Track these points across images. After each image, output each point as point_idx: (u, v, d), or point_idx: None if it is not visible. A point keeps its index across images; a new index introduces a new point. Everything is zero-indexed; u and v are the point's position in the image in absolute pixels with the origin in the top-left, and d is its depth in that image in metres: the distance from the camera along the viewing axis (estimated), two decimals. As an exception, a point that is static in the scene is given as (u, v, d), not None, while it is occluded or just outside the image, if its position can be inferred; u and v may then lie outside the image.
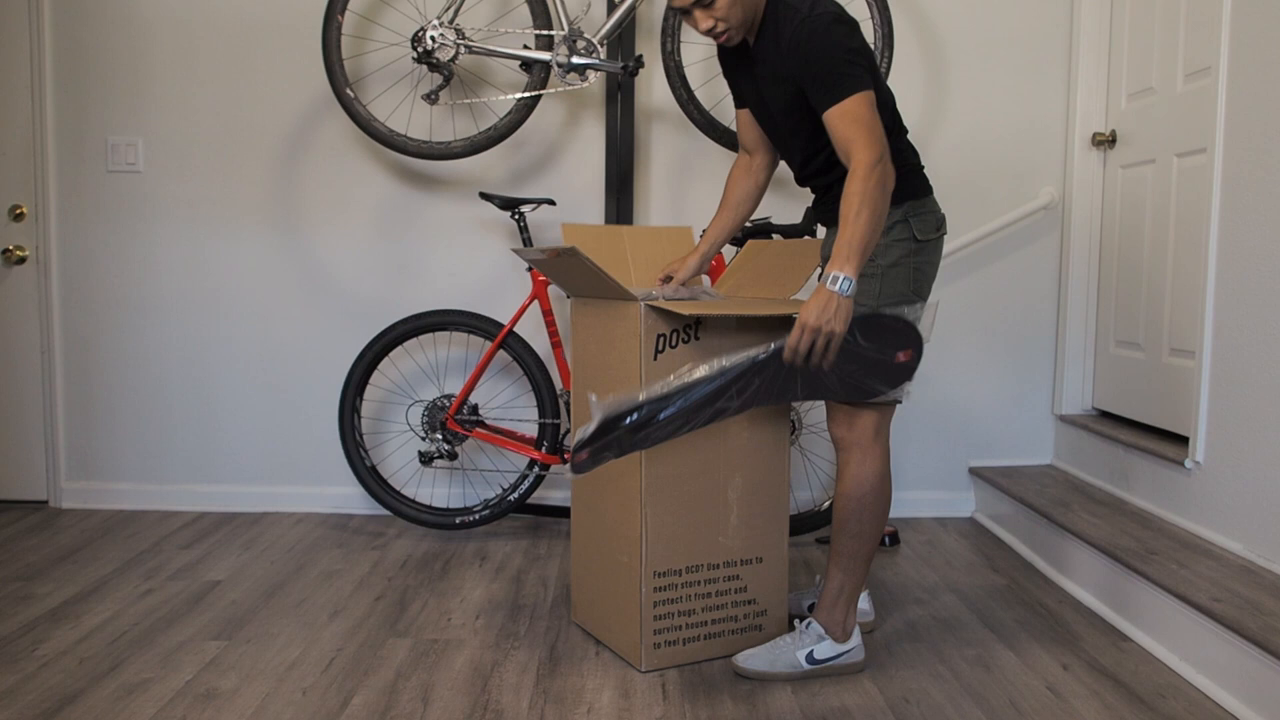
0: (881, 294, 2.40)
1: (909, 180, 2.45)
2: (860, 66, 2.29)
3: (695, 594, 2.55)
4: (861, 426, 2.45)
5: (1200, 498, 2.95)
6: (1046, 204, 3.81)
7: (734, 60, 2.59)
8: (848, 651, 2.51)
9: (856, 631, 2.54)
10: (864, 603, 2.77)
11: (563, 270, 2.60)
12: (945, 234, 2.51)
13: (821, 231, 3.05)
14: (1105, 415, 3.76)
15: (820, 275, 2.29)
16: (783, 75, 2.39)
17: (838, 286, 2.18)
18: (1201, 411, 2.94)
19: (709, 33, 2.41)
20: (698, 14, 2.39)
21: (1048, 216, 3.84)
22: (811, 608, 2.84)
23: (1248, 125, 2.78)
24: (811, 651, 2.48)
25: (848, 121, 2.27)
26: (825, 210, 2.59)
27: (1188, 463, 2.98)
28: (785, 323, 2.55)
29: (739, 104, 2.71)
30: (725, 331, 2.53)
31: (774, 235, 3.39)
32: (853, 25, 2.33)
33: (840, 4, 2.35)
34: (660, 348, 2.45)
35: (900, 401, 2.44)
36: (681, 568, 2.53)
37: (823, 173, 2.51)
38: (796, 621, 2.57)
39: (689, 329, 2.47)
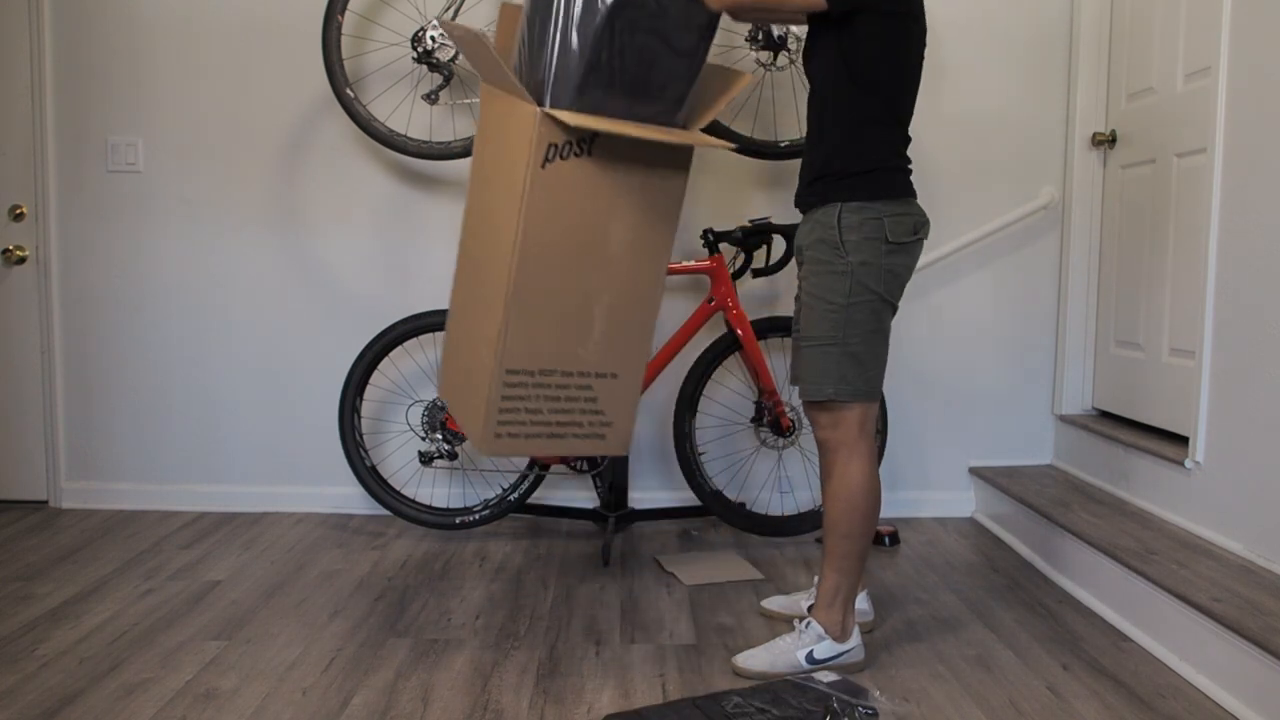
0: (852, 291, 2.41)
1: (888, 179, 2.46)
2: None
3: (545, 395, 2.58)
4: (845, 425, 2.46)
5: (1200, 498, 2.95)
6: (1046, 204, 3.80)
7: None
8: (848, 651, 2.51)
9: (856, 631, 2.54)
10: (863, 603, 2.77)
11: (477, 54, 2.58)
12: (924, 238, 2.51)
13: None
14: (1105, 415, 3.76)
15: None
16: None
17: None
18: (1201, 411, 2.94)
19: None
20: None
21: (1048, 216, 3.84)
22: (811, 608, 2.85)
23: (1248, 125, 2.78)
24: (811, 651, 2.48)
25: None
26: (799, 194, 2.62)
27: (1188, 463, 2.98)
28: (680, 151, 2.55)
29: None
30: (619, 151, 2.47)
31: (774, 235, 3.40)
32: None
33: None
34: (550, 156, 2.40)
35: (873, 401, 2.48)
36: (535, 370, 2.55)
37: (814, 144, 2.55)
38: (796, 621, 2.57)
39: (582, 143, 2.42)
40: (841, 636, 2.51)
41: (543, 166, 2.39)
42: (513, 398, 2.54)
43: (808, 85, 2.60)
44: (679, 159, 2.56)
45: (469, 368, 2.67)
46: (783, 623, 2.80)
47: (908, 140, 2.53)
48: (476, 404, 2.59)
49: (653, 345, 2.76)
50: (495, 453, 2.59)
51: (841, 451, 2.47)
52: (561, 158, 2.41)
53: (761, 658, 2.49)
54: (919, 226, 2.48)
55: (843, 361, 2.43)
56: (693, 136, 2.55)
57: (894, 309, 2.49)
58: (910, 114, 2.52)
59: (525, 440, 2.60)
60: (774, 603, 2.90)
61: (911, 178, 2.52)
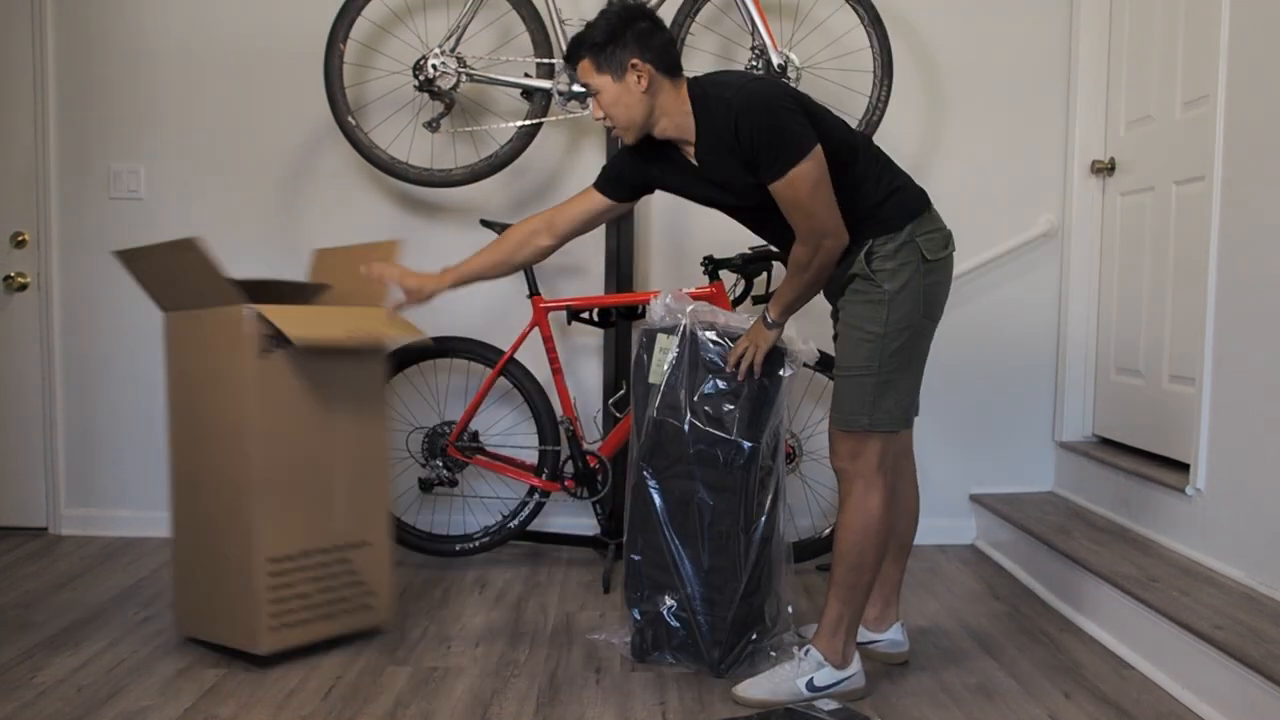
0: (889, 320, 2.38)
1: (901, 199, 2.44)
2: (796, 117, 2.28)
3: (309, 577, 2.71)
4: (866, 457, 2.45)
5: (1201, 525, 2.95)
6: (1046, 231, 3.82)
7: (658, 155, 2.54)
8: (848, 678, 2.50)
9: (856, 658, 2.53)
10: (899, 634, 2.74)
11: (169, 272, 2.79)
12: (954, 250, 2.50)
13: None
14: (1106, 442, 3.75)
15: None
16: (734, 167, 2.37)
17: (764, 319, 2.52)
18: (1202, 438, 2.94)
19: (601, 121, 2.47)
20: (590, 101, 2.47)
21: (1047, 243, 3.85)
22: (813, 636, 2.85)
23: (1246, 153, 2.79)
24: (811, 679, 2.47)
25: (791, 211, 2.33)
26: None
27: (1188, 490, 2.97)
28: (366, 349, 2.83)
29: (608, 187, 2.63)
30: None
31: (775, 262, 3.40)
32: (773, 83, 2.40)
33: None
34: (266, 348, 2.63)
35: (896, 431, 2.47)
36: (295, 552, 2.68)
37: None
38: (796, 649, 2.56)
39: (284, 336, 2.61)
40: (842, 663, 2.49)
41: (259, 358, 2.62)
42: (279, 586, 2.66)
43: (742, 216, 2.61)
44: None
45: (219, 578, 2.72)
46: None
47: (891, 161, 2.51)
48: (241, 610, 2.66)
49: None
50: (273, 648, 2.65)
51: (859, 483, 2.46)
52: (275, 349, 2.64)
53: (762, 686, 2.48)
54: (948, 240, 2.48)
55: (877, 392, 2.42)
56: (373, 331, 2.83)
57: (935, 324, 2.49)
58: (870, 146, 2.50)
59: (301, 629, 2.71)
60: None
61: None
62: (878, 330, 2.39)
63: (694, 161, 2.46)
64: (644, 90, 2.37)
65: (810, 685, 2.46)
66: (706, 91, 2.38)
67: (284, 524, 2.66)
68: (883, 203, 2.41)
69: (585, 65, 2.40)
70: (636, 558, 2.72)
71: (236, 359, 2.63)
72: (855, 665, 2.52)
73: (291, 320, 2.63)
